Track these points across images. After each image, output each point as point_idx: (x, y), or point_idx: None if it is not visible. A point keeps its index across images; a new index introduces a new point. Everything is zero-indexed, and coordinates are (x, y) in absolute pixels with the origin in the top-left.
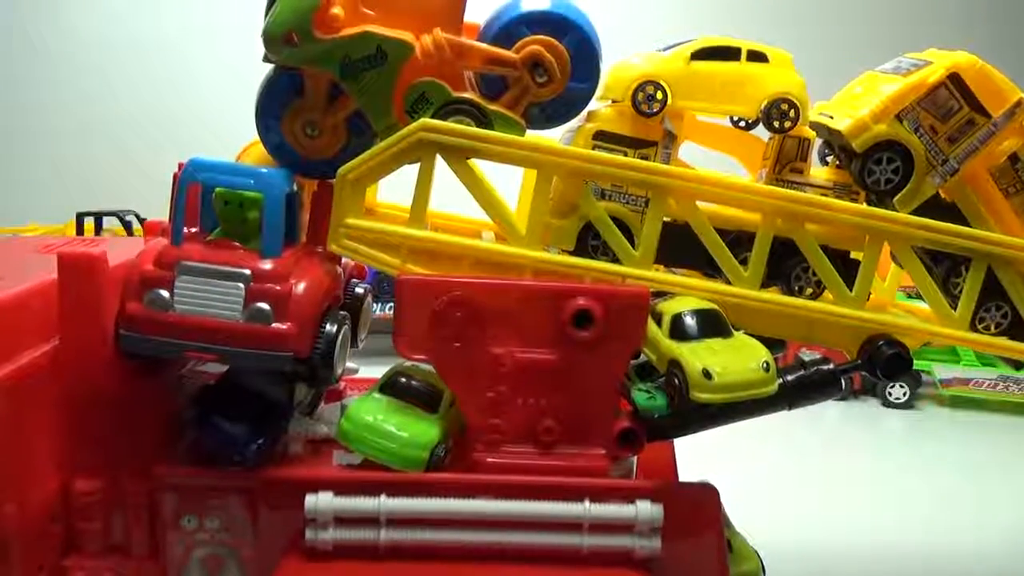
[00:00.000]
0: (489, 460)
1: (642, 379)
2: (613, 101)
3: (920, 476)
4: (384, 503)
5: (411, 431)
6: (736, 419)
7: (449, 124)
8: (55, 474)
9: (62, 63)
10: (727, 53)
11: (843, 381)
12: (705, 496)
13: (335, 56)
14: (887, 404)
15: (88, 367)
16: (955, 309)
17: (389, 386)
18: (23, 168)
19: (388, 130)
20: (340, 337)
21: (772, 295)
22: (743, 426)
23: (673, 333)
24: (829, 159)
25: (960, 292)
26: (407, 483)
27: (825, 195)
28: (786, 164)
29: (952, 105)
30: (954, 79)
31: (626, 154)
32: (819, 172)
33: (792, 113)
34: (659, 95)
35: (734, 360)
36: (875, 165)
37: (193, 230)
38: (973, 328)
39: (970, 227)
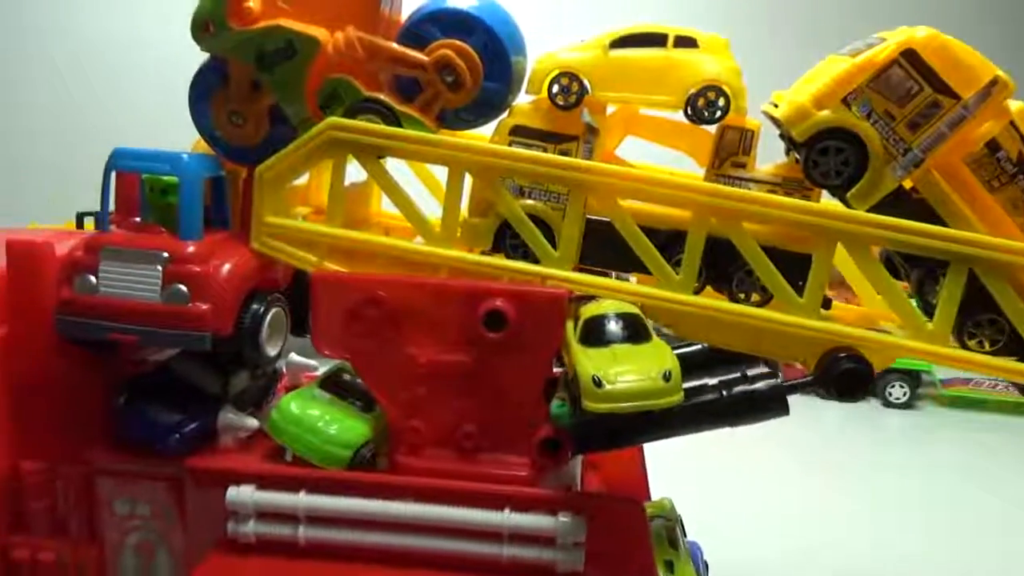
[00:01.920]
0: (409, 463)
1: (568, 386)
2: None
3: (919, 476)
4: (302, 500)
5: (338, 428)
6: (661, 434)
7: (358, 123)
8: (3, 455)
9: (61, 63)
10: (651, 40)
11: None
12: (631, 513)
13: (250, 47)
14: (887, 404)
15: (34, 352)
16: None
17: (329, 381)
18: (23, 168)
19: (304, 123)
20: (268, 317)
21: (703, 299)
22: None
23: (583, 337)
24: (791, 154)
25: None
26: (326, 481)
27: (772, 192)
28: (726, 158)
29: (910, 86)
30: (909, 56)
31: (545, 150)
32: (767, 167)
33: (721, 102)
34: (575, 87)
35: (635, 368)
36: (820, 156)
37: (136, 219)
38: (961, 343)
39: (947, 226)
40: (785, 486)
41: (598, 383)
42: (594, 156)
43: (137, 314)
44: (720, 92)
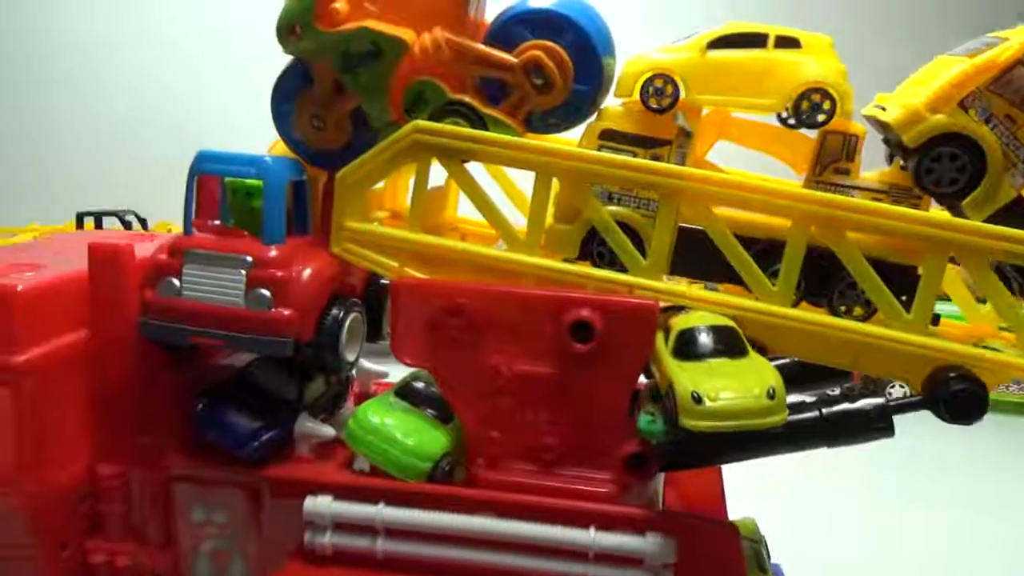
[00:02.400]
0: (488, 476)
1: (656, 400)
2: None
3: (921, 475)
4: (381, 512)
5: (417, 439)
6: (756, 453)
7: (443, 125)
8: (82, 457)
9: (61, 64)
10: (751, 40)
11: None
12: (726, 536)
13: (335, 50)
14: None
15: (115, 356)
16: None
17: (405, 390)
18: (23, 169)
19: (388, 128)
20: (348, 323)
21: (802, 313)
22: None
23: (677, 351)
24: (895, 160)
25: None
26: (405, 493)
27: (878, 200)
28: (828, 164)
29: None
30: None
31: (635, 154)
32: (872, 174)
33: (827, 105)
34: (669, 89)
35: (735, 385)
36: (934, 163)
37: (217, 222)
38: None
39: None
40: (869, 504)
41: (698, 400)
42: (687, 161)
43: (220, 319)
44: (825, 94)
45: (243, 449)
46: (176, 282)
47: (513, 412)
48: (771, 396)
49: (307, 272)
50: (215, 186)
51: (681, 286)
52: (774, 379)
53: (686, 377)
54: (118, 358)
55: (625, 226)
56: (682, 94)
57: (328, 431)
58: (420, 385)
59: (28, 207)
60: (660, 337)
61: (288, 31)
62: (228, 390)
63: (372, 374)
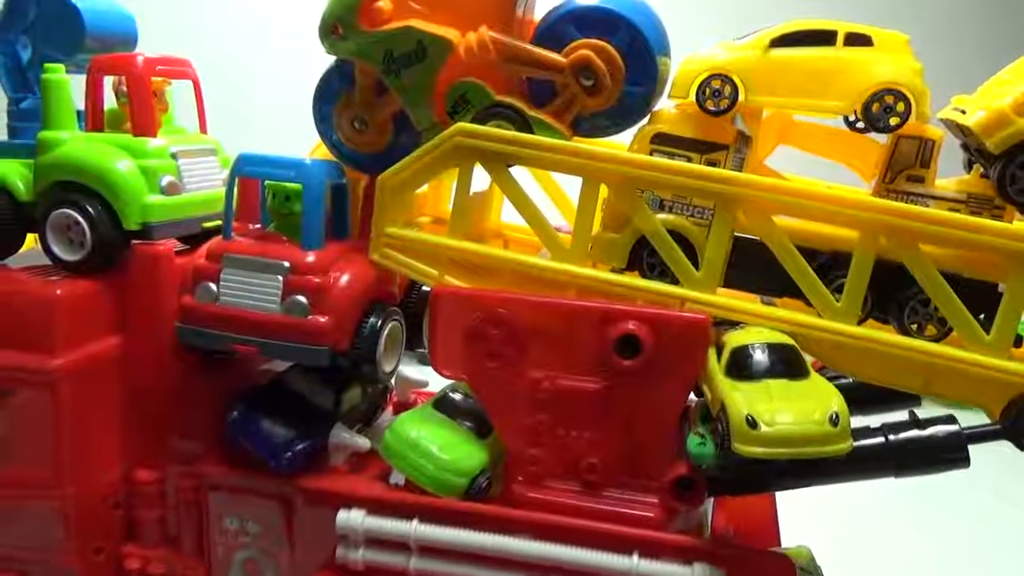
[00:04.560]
0: (527, 494)
1: (706, 421)
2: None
3: (995, 504)
4: (415, 529)
5: (454, 455)
6: (815, 481)
7: (487, 128)
8: (118, 462)
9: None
10: (818, 37)
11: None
12: (778, 567)
13: (378, 50)
14: None
15: (151, 359)
16: None
17: (442, 402)
18: None
19: (431, 130)
20: (386, 332)
21: (870, 331)
22: None
23: (730, 369)
24: (975, 167)
25: None
26: (441, 510)
27: (955, 210)
28: (900, 171)
29: None
30: None
31: (690, 159)
32: (949, 182)
33: (900, 107)
34: (727, 90)
35: (794, 408)
36: (1020, 170)
37: (257, 226)
38: None
39: None
40: (938, 533)
41: (753, 424)
42: (745, 167)
43: (256, 325)
44: (900, 96)
45: (276, 459)
46: (214, 287)
47: (555, 429)
48: (834, 422)
49: (345, 278)
50: (255, 189)
51: (736, 300)
52: (838, 404)
53: (740, 398)
54: (155, 363)
55: (677, 235)
56: (741, 96)
57: (363, 442)
58: (458, 397)
59: None
60: (712, 354)
61: (330, 30)
62: (263, 397)
63: (411, 383)
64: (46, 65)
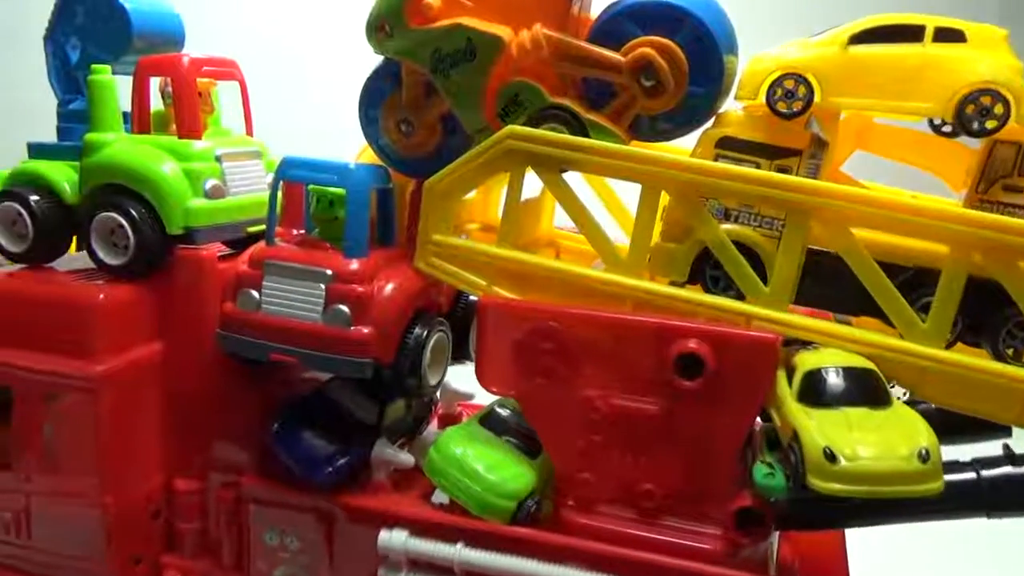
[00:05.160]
0: (578, 520)
1: (773, 448)
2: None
3: None
4: (460, 553)
5: (501, 475)
6: (896, 520)
7: (540, 131)
8: (158, 471)
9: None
10: (904, 33)
11: None
12: None
13: (426, 49)
14: None
15: (192, 367)
16: None
17: (489, 418)
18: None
19: (480, 133)
20: (431, 344)
21: (961, 356)
22: None
23: (803, 395)
24: None
25: None
26: (487, 534)
27: None
28: (996, 180)
29: None
30: None
31: (758, 166)
32: None
33: (999, 109)
34: (801, 91)
35: (878, 441)
36: None
37: (301, 231)
38: None
39: None
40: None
41: (832, 457)
42: (820, 174)
43: (298, 335)
44: (997, 97)
45: (317, 474)
46: (256, 294)
47: (608, 451)
48: (923, 459)
49: (389, 288)
50: (300, 193)
51: (808, 318)
52: (927, 438)
53: (816, 428)
54: (197, 370)
55: (744, 247)
56: (817, 97)
57: (407, 459)
58: (506, 412)
59: None
60: (782, 377)
61: (377, 28)
62: (305, 409)
63: (457, 395)
64: (92, 66)
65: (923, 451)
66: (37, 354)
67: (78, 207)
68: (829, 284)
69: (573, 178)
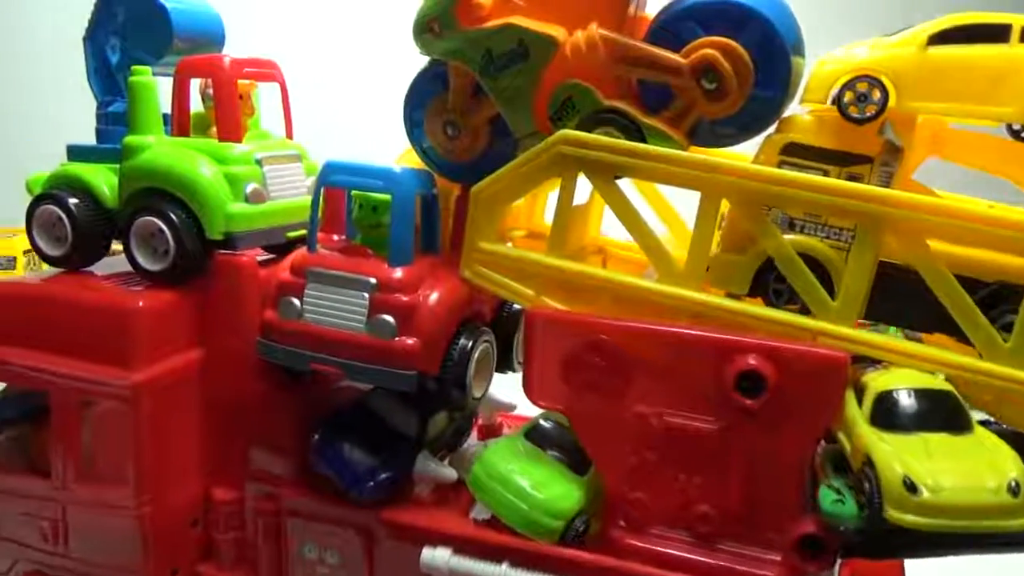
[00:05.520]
0: (629, 542)
1: (839, 472)
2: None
3: None
4: (506, 573)
5: (548, 493)
6: (977, 552)
7: (593, 136)
8: (198, 480)
9: (62, 64)
10: (987, 32)
11: None
12: None
13: (476, 49)
14: None
15: (233, 374)
16: None
17: (534, 431)
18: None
19: (529, 137)
20: (476, 355)
21: None
22: None
23: (876, 418)
24: None
25: None
26: (534, 554)
27: None
28: None
29: None
30: None
31: (826, 173)
32: None
33: None
34: (875, 94)
35: (961, 471)
36: None
37: (342, 238)
38: None
39: None
40: None
41: (912, 488)
42: (893, 183)
43: (340, 345)
44: None
45: (358, 488)
46: (297, 303)
47: (662, 471)
48: (1014, 492)
49: (434, 297)
50: (342, 198)
51: (879, 336)
52: (1016, 468)
53: (892, 454)
54: (236, 378)
55: (810, 259)
56: (891, 100)
57: (450, 473)
58: (550, 426)
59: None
60: (851, 397)
61: (426, 28)
62: (345, 420)
63: (499, 406)
64: (133, 68)
65: (1013, 483)
66: (75, 360)
67: (117, 211)
68: (900, 299)
69: (622, 184)
